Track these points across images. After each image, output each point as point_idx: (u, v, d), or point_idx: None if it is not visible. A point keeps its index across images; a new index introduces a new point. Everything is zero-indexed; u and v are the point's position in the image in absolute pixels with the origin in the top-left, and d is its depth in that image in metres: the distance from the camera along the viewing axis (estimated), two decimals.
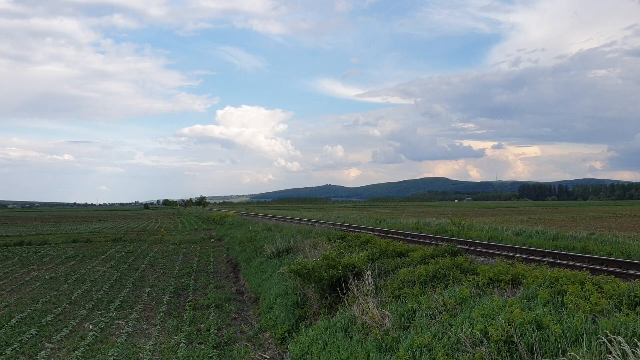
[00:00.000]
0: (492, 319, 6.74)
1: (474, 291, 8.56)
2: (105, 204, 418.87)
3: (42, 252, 30.26)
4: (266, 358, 10.55)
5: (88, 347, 11.03)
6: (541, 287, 7.68)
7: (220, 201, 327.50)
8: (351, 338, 8.86)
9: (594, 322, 6.06)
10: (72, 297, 16.36)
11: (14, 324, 12.95)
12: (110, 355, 10.42)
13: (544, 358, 5.79)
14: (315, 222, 33.54)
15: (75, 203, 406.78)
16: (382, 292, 10.33)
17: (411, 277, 10.25)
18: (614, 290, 6.98)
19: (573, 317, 6.24)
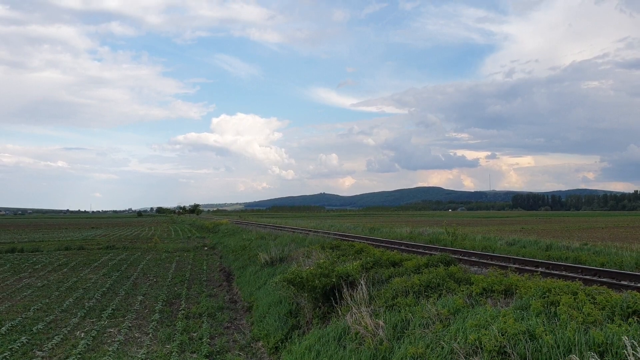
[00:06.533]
0: (486, 329, 6.74)
1: (468, 301, 8.57)
2: (99, 211, 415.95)
3: (34, 259, 30.00)
4: None
5: (79, 356, 10.94)
6: (534, 298, 7.70)
7: (215, 209, 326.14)
8: (344, 348, 8.83)
9: (587, 332, 6.07)
10: (64, 305, 16.22)
11: (5, 332, 12.82)
12: None
13: None
14: (309, 230, 33.49)
15: (68, 210, 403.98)
16: (375, 301, 10.31)
17: (405, 286, 10.23)
18: (606, 301, 6.99)
19: (565, 328, 6.24)
